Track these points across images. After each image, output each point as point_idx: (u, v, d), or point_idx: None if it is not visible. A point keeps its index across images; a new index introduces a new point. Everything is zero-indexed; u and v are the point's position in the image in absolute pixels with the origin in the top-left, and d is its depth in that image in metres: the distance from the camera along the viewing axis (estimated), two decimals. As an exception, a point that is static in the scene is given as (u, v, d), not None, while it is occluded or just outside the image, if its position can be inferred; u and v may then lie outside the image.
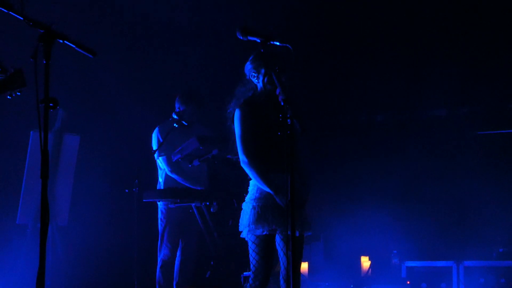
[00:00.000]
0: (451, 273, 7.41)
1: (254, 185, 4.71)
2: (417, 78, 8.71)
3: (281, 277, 4.76)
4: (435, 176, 8.48)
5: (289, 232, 3.93)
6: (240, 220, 4.76)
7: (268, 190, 4.62)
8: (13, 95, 3.35)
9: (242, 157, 4.69)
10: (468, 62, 8.39)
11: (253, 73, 4.79)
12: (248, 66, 4.83)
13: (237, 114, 4.73)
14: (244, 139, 4.70)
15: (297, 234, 4.60)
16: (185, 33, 8.23)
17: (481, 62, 8.32)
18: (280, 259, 4.76)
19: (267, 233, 4.62)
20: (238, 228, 4.79)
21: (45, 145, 3.17)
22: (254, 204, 4.66)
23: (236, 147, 4.81)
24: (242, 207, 4.77)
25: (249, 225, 4.63)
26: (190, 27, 8.26)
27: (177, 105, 6.90)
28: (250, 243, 4.68)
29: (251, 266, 4.70)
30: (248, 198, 4.74)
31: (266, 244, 4.67)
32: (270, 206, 4.62)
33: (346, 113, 9.27)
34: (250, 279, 4.71)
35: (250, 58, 4.83)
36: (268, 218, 4.61)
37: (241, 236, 4.76)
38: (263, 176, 4.63)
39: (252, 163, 4.66)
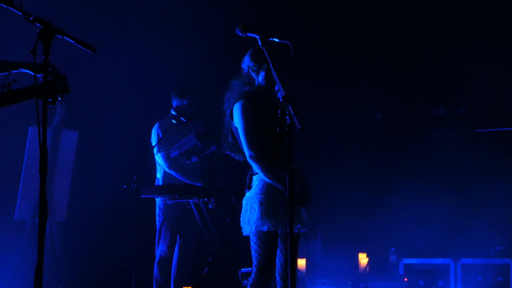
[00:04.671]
0: (448, 270, 7.43)
1: (261, 180, 4.62)
2: (416, 77, 8.71)
3: (277, 273, 4.74)
4: (433, 174, 8.49)
5: (287, 230, 3.91)
6: (242, 216, 4.69)
7: (276, 185, 4.54)
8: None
9: (249, 152, 4.59)
10: (466, 61, 8.40)
11: (254, 68, 4.75)
12: (247, 61, 4.79)
13: (238, 108, 4.65)
14: (250, 133, 4.61)
15: (296, 230, 4.59)
16: (184, 29, 8.22)
17: (479, 61, 8.32)
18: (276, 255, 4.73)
19: (273, 229, 4.58)
20: (236, 225, 4.74)
21: (43, 141, 3.17)
22: (261, 199, 4.58)
23: (227, 142, 4.76)
24: (246, 202, 4.67)
25: (256, 221, 4.55)
26: (189, 23, 8.25)
27: (174, 102, 6.90)
28: (255, 239, 4.60)
29: (255, 262, 4.62)
30: (253, 193, 4.64)
31: (271, 240, 4.60)
32: (278, 203, 4.54)
33: (345, 111, 9.27)
34: (253, 274, 4.63)
35: (249, 52, 4.80)
36: (277, 214, 4.54)
37: (245, 232, 4.70)
38: (272, 171, 4.56)
39: (261, 157, 4.57)
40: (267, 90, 4.72)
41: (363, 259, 7.91)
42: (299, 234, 4.73)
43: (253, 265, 4.68)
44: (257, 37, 4.22)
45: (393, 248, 7.81)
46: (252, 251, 4.66)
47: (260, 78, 4.75)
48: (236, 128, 4.71)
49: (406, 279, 7.49)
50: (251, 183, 4.69)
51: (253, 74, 4.76)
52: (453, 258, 7.42)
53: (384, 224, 8.14)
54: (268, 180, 4.58)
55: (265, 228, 4.56)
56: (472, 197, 8.14)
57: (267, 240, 4.60)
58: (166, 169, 6.79)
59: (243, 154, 4.76)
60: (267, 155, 4.61)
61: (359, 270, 7.83)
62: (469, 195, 8.16)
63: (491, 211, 7.96)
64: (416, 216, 7.99)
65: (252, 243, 4.65)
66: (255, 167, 4.61)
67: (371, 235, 8.31)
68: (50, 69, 3.37)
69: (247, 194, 4.70)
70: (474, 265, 7.40)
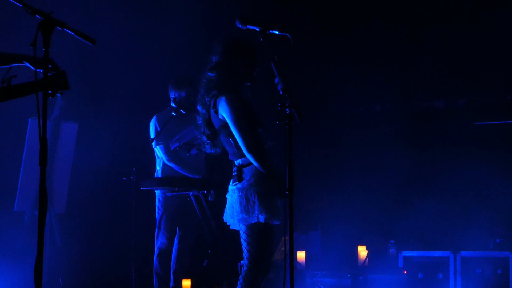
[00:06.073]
0: (448, 263, 7.43)
1: (255, 171, 4.57)
2: (415, 69, 8.70)
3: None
4: (433, 167, 8.49)
5: (287, 223, 3.91)
6: (235, 209, 4.61)
7: (270, 177, 4.53)
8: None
9: (246, 143, 4.53)
10: (466, 53, 8.39)
11: (247, 61, 4.71)
12: (236, 53, 4.72)
13: (229, 101, 4.57)
14: (246, 124, 4.56)
15: (278, 222, 4.57)
16: (182, 20, 8.20)
17: (479, 54, 8.32)
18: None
19: (269, 221, 4.55)
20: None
21: (43, 133, 3.17)
22: (260, 191, 4.54)
23: (203, 134, 4.74)
24: (239, 194, 4.58)
25: (257, 212, 4.50)
26: (188, 14, 8.24)
27: (171, 94, 6.87)
28: (249, 231, 4.57)
29: (248, 254, 4.60)
30: (247, 185, 4.57)
31: (268, 232, 4.61)
32: (275, 194, 4.53)
33: (344, 104, 9.25)
34: (246, 268, 4.60)
35: (239, 45, 4.73)
36: (277, 205, 4.54)
37: (236, 226, 4.66)
38: (269, 163, 4.54)
39: (259, 149, 4.55)
40: (253, 84, 4.72)
41: (362, 251, 7.91)
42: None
43: (246, 258, 4.62)
44: (257, 29, 4.20)
45: (392, 241, 7.81)
46: (245, 244, 4.61)
47: (250, 71, 4.72)
48: (222, 121, 4.64)
49: (405, 272, 7.49)
50: (242, 175, 4.61)
51: (243, 67, 4.71)
52: (453, 251, 7.42)
53: (384, 217, 8.14)
54: (264, 171, 4.53)
55: (263, 220, 4.53)
56: (472, 189, 8.14)
57: (264, 232, 4.59)
58: (166, 162, 6.79)
59: (220, 147, 4.75)
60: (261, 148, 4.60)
61: (358, 263, 7.83)
62: (469, 188, 8.15)
63: (490, 204, 7.96)
64: (416, 209, 7.99)
65: (245, 236, 4.61)
66: (252, 158, 4.54)
67: (370, 227, 8.31)
68: (50, 66, 3.37)
69: (237, 186, 4.61)
70: (474, 258, 7.40)
